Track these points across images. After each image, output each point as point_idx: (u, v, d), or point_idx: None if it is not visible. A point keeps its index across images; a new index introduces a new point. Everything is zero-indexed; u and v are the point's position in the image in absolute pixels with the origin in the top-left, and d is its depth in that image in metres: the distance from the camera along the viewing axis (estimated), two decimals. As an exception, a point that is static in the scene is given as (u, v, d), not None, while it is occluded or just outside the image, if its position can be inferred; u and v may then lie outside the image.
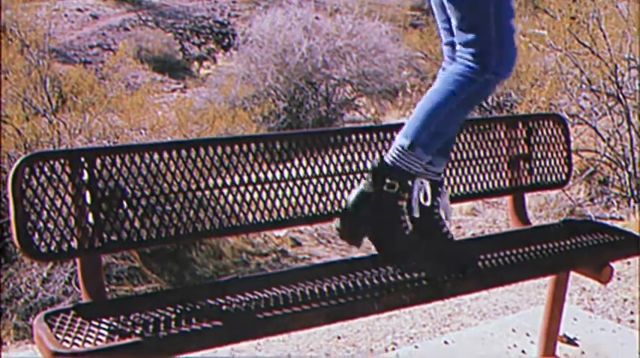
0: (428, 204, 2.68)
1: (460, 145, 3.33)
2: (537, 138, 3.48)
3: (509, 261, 2.91)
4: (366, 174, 2.72)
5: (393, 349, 3.75)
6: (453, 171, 3.30)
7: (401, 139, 2.65)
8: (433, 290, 2.71)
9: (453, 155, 3.31)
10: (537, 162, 3.47)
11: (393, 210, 2.66)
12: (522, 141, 3.46)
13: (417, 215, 2.67)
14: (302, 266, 2.68)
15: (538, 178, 3.47)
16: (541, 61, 7.81)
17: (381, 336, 3.94)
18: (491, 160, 3.39)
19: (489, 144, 3.40)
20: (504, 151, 3.43)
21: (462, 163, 3.33)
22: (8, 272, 7.95)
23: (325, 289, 2.59)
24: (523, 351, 3.56)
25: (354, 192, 2.70)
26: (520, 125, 3.47)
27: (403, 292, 2.62)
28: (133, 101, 10.06)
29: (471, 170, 3.34)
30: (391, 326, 4.05)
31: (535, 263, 2.95)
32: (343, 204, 2.82)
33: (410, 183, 2.64)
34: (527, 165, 3.45)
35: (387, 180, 2.63)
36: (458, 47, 2.66)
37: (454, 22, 2.65)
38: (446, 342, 3.68)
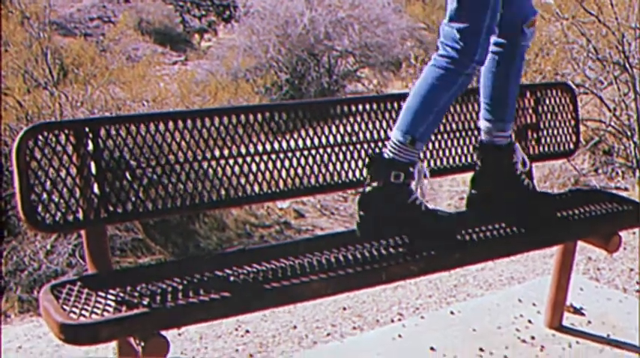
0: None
1: (468, 115, 3.31)
2: (545, 107, 3.45)
3: (517, 230, 2.90)
4: (366, 175, 2.72)
5: (399, 320, 3.74)
6: (461, 141, 3.28)
7: (398, 135, 2.67)
8: (441, 261, 2.69)
9: (459, 125, 3.29)
10: (545, 132, 3.44)
11: (407, 195, 2.66)
12: (530, 111, 3.43)
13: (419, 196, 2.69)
14: (307, 237, 2.67)
15: (545, 148, 3.45)
16: (546, 30, 7.75)
17: (387, 307, 3.93)
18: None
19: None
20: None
21: (469, 132, 3.31)
22: (11, 245, 7.94)
23: (333, 260, 2.57)
24: (530, 321, 3.55)
25: (360, 199, 2.73)
26: (528, 94, 3.44)
27: (411, 262, 2.61)
28: (134, 73, 10.00)
29: (477, 139, 3.31)
30: (397, 297, 4.04)
31: (543, 232, 2.94)
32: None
33: (411, 169, 2.65)
34: (534, 135, 3.42)
35: (393, 173, 2.63)
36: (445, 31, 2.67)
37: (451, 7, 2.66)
38: (452, 313, 3.68)
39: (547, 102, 3.47)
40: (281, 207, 8.39)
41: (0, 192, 7.68)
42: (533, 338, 3.41)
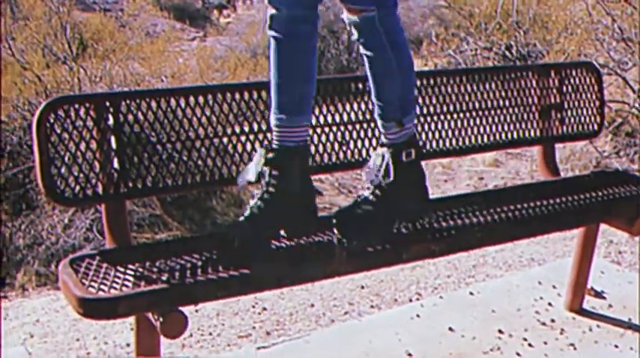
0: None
1: (489, 93, 3.27)
2: (569, 87, 3.41)
3: (539, 211, 2.86)
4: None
5: (418, 299, 3.72)
6: (483, 120, 3.24)
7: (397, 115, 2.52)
8: (462, 241, 2.67)
9: (482, 104, 3.26)
10: (569, 112, 3.40)
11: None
12: (554, 90, 3.38)
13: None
14: (326, 215, 2.64)
15: (569, 128, 3.41)
16: (572, 9, 7.65)
17: (405, 286, 3.91)
18: (521, 109, 3.33)
19: (520, 92, 3.34)
20: (535, 100, 3.36)
21: (492, 111, 3.27)
22: (29, 218, 7.97)
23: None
24: (550, 304, 3.52)
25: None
26: (552, 73, 3.39)
27: (432, 242, 2.58)
28: (153, 49, 9.98)
29: (501, 119, 3.28)
30: (415, 277, 4.01)
31: (566, 214, 2.90)
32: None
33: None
34: (558, 115, 3.38)
35: (404, 152, 2.52)
36: None
37: None
38: (471, 293, 3.65)
39: (571, 82, 3.42)
40: (299, 184, 8.33)
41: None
42: (553, 320, 3.38)
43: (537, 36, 9.03)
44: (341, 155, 2.90)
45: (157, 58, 9.50)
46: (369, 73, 2.51)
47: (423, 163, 2.62)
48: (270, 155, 2.40)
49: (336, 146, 2.89)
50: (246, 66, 9.83)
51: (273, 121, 2.43)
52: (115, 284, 2.18)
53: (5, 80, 9.49)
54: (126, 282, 2.19)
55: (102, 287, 2.16)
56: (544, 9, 9.13)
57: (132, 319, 2.47)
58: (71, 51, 10.02)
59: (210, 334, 3.42)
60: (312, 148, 2.79)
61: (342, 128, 2.90)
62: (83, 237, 7.31)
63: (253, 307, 3.67)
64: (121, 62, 9.55)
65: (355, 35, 2.48)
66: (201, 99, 2.66)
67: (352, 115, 2.92)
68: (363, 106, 2.93)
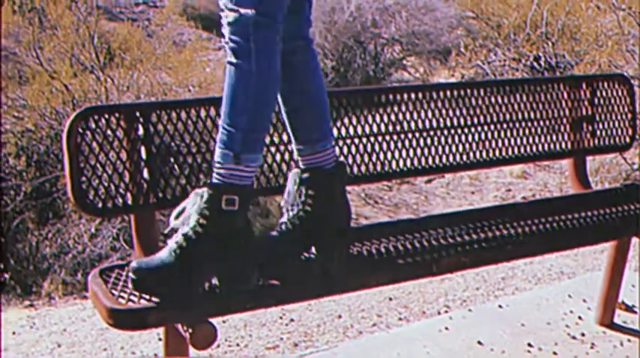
0: None
1: (519, 105, 3.24)
2: (601, 99, 3.38)
3: (572, 225, 2.83)
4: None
5: (446, 312, 3.70)
6: (514, 132, 3.22)
7: None
8: (493, 253, 2.64)
9: (512, 116, 3.23)
10: (600, 124, 3.37)
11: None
12: (586, 102, 3.35)
13: None
14: (355, 226, 2.63)
15: (600, 141, 3.38)
16: (602, 21, 7.60)
17: (434, 298, 3.88)
18: (553, 121, 3.30)
19: (551, 104, 3.31)
20: (567, 112, 3.33)
21: (522, 124, 3.25)
22: (56, 227, 8.02)
23: (383, 250, 2.53)
24: (580, 317, 3.48)
25: None
26: (583, 85, 3.36)
27: (462, 254, 2.56)
28: (180, 58, 10.02)
29: (531, 131, 3.25)
30: (443, 289, 3.99)
31: (598, 227, 2.87)
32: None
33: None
34: (589, 127, 3.35)
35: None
36: None
37: None
38: (500, 306, 3.62)
39: (603, 94, 3.39)
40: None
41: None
42: (583, 334, 3.34)
43: (566, 47, 8.98)
44: (368, 166, 2.88)
45: (184, 68, 9.54)
46: None
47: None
48: (306, 175, 2.38)
49: (361, 157, 2.87)
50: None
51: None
52: (144, 296, 2.17)
53: (33, 89, 9.57)
54: (155, 293, 2.18)
55: (132, 298, 2.15)
56: (572, 20, 9.09)
57: (160, 329, 2.46)
58: (98, 60, 10.09)
59: (238, 345, 3.41)
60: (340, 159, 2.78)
61: (367, 139, 2.88)
62: (110, 247, 7.35)
63: (281, 318, 3.66)
64: (148, 72, 9.59)
65: None
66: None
67: (375, 127, 2.91)
68: (387, 118, 2.91)
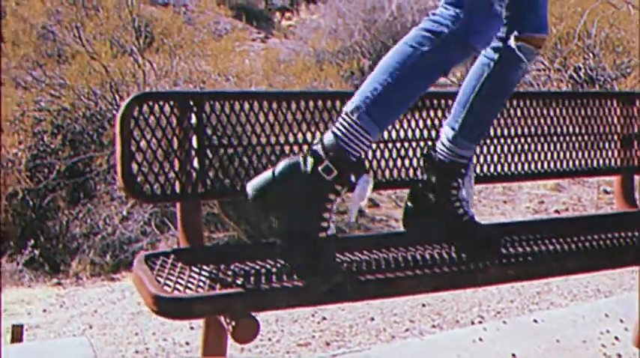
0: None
1: (566, 119, 3.20)
2: (654, 118, 3.32)
3: (616, 243, 2.79)
4: None
5: (480, 322, 3.67)
6: (558, 146, 3.17)
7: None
8: (539, 267, 2.60)
9: (559, 129, 3.18)
10: (652, 143, 3.31)
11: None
12: (637, 120, 3.30)
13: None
14: (399, 231, 2.60)
15: (651, 160, 3.32)
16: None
17: (467, 308, 3.85)
18: (604, 137, 3.25)
19: (602, 119, 3.26)
20: (617, 129, 3.28)
21: (569, 138, 3.20)
22: (87, 207, 8.04)
23: (427, 256, 2.50)
24: (616, 338, 3.43)
25: None
26: (637, 102, 3.31)
27: (508, 266, 2.52)
28: (219, 47, 10.02)
29: (579, 145, 3.20)
30: (477, 299, 3.95)
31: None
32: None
33: None
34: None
35: None
36: None
37: None
38: (535, 320, 3.58)
39: (656, 112, 3.34)
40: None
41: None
42: (619, 356, 3.29)
43: (607, 60, 8.89)
44: (401, 172, 2.83)
45: (223, 57, 9.54)
46: None
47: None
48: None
49: (396, 162, 2.82)
50: (311, 71, 9.82)
51: None
52: (190, 285, 2.16)
53: (72, 69, 9.61)
54: (201, 283, 2.17)
55: (177, 286, 2.14)
56: (615, 32, 9.00)
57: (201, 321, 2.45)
58: (138, 44, 10.11)
59: (270, 340, 3.40)
60: (373, 163, 2.75)
61: (403, 144, 2.83)
62: (140, 231, 7.36)
63: (312, 316, 3.65)
64: (187, 58, 9.60)
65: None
66: (284, 104, 2.63)
67: (410, 132, 2.86)
68: (422, 123, 2.87)
